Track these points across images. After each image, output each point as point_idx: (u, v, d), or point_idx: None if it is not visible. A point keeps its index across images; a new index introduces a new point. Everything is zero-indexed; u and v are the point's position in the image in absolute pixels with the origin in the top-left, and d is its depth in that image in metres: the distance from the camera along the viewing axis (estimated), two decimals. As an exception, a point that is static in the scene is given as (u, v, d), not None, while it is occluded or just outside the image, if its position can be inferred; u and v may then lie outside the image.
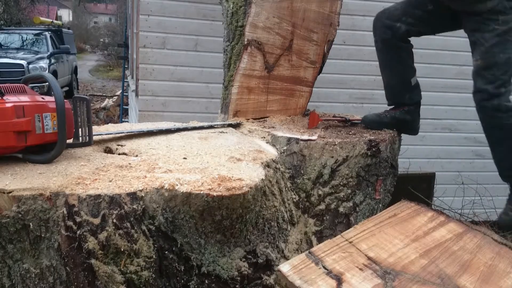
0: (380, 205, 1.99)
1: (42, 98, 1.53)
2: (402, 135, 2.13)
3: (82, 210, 1.25)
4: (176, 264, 1.36)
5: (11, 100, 1.42)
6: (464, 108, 4.42)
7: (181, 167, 1.48)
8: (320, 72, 2.40)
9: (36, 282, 1.34)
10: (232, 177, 1.39)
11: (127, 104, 8.15)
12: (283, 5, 2.20)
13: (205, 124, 2.15)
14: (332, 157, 1.82)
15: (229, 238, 1.40)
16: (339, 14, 2.33)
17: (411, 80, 2.15)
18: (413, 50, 2.19)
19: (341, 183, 1.84)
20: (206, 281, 1.39)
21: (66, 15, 35.10)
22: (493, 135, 2.00)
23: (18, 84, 1.54)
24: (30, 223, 1.29)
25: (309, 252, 1.23)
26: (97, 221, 1.25)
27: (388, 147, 1.93)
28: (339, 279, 1.12)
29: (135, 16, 5.52)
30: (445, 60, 4.23)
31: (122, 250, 1.26)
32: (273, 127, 2.08)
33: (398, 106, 2.16)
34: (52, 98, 1.49)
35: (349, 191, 1.86)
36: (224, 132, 2.01)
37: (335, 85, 3.90)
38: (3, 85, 1.49)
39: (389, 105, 2.20)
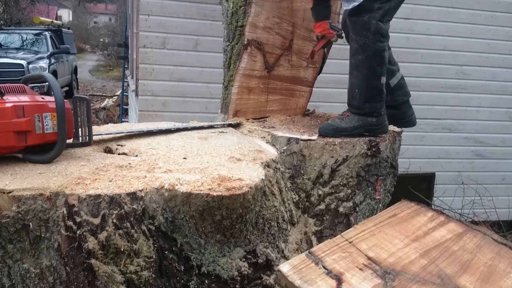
0: (380, 205, 1.99)
1: (42, 98, 1.53)
2: (402, 134, 2.13)
3: (82, 210, 1.25)
4: (176, 264, 1.36)
5: (11, 100, 1.42)
6: (464, 108, 4.42)
7: (181, 167, 1.48)
8: (320, 72, 2.41)
9: (36, 282, 1.34)
10: (232, 177, 1.39)
11: (127, 104, 8.14)
12: (283, 5, 2.20)
13: (205, 124, 2.14)
14: (332, 157, 1.82)
15: (229, 238, 1.40)
16: (339, 14, 2.33)
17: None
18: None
19: (341, 183, 1.84)
20: (206, 281, 1.39)
21: (66, 15, 35.09)
22: (355, 57, 1.91)
23: (18, 84, 1.54)
24: (30, 223, 1.29)
25: (309, 252, 1.23)
26: (97, 221, 1.25)
27: (388, 147, 1.93)
28: (339, 279, 1.12)
29: (135, 16, 5.52)
30: (445, 60, 4.23)
31: (122, 250, 1.26)
32: (273, 127, 2.08)
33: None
34: (52, 98, 1.49)
35: (349, 191, 1.86)
36: (224, 132, 2.01)
37: (335, 85, 3.90)
38: (3, 85, 1.49)
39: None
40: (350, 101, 1.96)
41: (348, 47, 2.00)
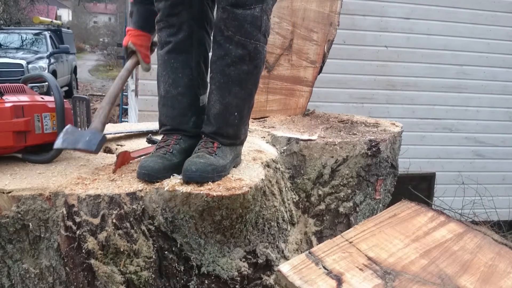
0: (380, 205, 1.99)
1: (42, 98, 1.53)
2: (403, 134, 2.13)
3: (81, 210, 1.25)
4: (176, 264, 1.35)
5: (10, 100, 1.42)
6: (464, 108, 4.42)
7: (181, 167, 1.47)
8: (320, 72, 2.40)
9: (35, 282, 1.34)
10: (232, 177, 1.38)
11: (126, 104, 8.14)
12: (283, 4, 2.20)
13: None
14: (332, 157, 1.81)
15: (229, 238, 1.40)
16: (339, 14, 2.33)
17: (200, 98, 1.50)
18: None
19: (341, 183, 1.84)
20: (206, 281, 1.39)
21: (65, 14, 35.11)
22: (237, 67, 1.36)
23: (17, 84, 1.54)
24: (30, 223, 1.28)
25: (309, 252, 1.22)
26: (96, 221, 1.24)
27: (388, 147, 1.93)
28: (339, 279, 1.11)
29: (135, 16, 5.50)
30: (445, 60, 4.23)
31: (122, 250, 1.26)
32: (273, 127, 2.08)
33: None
34: (51, 98, 1.49)
35: (349, 191, 1.86)
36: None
37: (335, 85, 3.90)
38: (3, 85, 1.49)
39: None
40: (222, 129, 1.41)
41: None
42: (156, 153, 1.38)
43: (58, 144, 1.34)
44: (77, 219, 1.24)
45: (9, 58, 9.26)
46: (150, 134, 1.73)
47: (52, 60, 10.15)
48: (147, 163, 1.32)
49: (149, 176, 1.31)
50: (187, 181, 1.30)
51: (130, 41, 1.52)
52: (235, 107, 1.40)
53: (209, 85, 1.42)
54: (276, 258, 1.57)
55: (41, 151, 1.49)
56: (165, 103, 1.46)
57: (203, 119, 1.46)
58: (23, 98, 1.46)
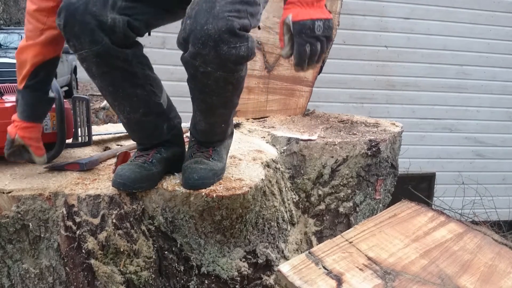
0: (380, 205, 1.99)
1: (42, 98, 1.52)
2: (403, 134, 2.13)
3: (81, 210, 1.25)
4: (176, 264, 1.35)
5: (10, 100, 1.42)
6: (464, 108, 4.42)
7: (181, 167, 1.47)
8: (320, 72, 2.40)
9: (35, 282, 1.34)
10: (232, 177, 1.38)
11: (127, 104, 8.13)
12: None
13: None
14: (332, 157, 1.81)
15: (229, 238, 1.40)
16: (339, 14, 2.33)
17: (161, 103, 1.38)
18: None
19: (341, 183, 1.84)
20: (206, 281, 1.39)
21: (66, 15, 35.09)
22: (220, 96, 1.26)
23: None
24: (30, 223, 1.28)
25: (309, 252, 1.22)
26: (96, 221, 1.24)
27: (389, 147, 1.93)
28: (339, 279, 1.11)
29: (135, 16, 5.50)
30: (445, 60, 4.23)
31: (122, 250, 1.26)
32: (273, 127, 2.08)
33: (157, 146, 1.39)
34: (51, 98, 1.49)
35: (349, 191, 1.86)
36: (224, 132, 2.00)
37: (335, 85, 3.90)
38: (3, 85, 1.49)
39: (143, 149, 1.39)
40: (210, 139, 1.41)
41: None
42: (135, 161, 1.31)
43: None
44: (77, 219, 1.24)
45: (9, 58, 9.25)
46: None
47: (52, 60, 10.13)
48: (124, 171, 1.25)
49: (124, 185, 1.25)
50: (189, 189, 1.29)
51: (18, 134, 1.33)
52: (220, 123, 1.37)
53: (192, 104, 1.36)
54: (276, 258, 1.57)
55: (41, 151, 1.49)
56: (131, 128, 1.38)
57: (173, 119, 1.42)
58: (23, 98, 1.45)
